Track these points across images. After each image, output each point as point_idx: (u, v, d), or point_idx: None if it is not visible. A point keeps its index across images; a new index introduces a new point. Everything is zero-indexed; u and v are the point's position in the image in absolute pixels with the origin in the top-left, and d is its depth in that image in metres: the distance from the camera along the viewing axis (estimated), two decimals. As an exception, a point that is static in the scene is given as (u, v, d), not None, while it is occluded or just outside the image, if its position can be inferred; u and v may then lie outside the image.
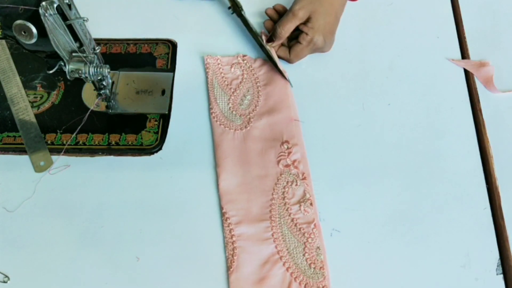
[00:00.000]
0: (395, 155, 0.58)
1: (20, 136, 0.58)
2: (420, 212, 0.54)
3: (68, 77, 0.50)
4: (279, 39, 0.61)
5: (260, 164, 0.57)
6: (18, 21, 0.45)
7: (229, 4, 0.65)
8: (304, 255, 0.51)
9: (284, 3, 0.65)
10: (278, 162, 0.57)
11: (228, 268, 0.51)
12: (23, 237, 0.52)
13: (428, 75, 0.64)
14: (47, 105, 0.60)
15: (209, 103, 0.61)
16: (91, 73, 0.50)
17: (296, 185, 0.55)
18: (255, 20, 0.67)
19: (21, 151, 0.57)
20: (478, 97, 0.62)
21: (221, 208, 0.54)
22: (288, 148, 0.57)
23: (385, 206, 0.55)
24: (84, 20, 0.48)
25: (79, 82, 0.60)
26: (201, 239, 0.52)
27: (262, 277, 0.50)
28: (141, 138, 0.58)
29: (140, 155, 0.57)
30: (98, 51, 0.51)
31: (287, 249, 0.52)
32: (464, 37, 0.67)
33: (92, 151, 0.57)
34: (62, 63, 0.49)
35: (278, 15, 0.65)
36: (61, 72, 0.50)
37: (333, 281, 0.50)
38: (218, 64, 0.64)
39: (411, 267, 0.51)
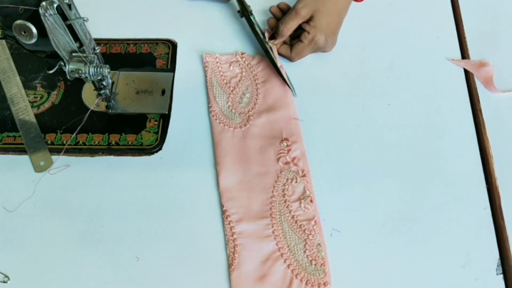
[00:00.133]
0: (395, 155, 0.58)
1: (20, 136, 0.58)
2: (420, 212, 0.54)
3: (68, 77, 0.50)
4: (282, 37, 0.62)
5: (260, 161, 0.57)
6: (18, 21, 0.45)
7: (238, 8, 0.65)
8: (305, 252, 0.51)
9: (288, 1, 0.65)
10: (278, 159, 0.57)
11: (229, 265, 0.51)
12: (23, 237, 0.52)
13: (428, 75, 0.64)
14: (47, 105, 0.60)
15: (208, 102, 0.61)
16: (91, 73, 0.50)
17: (296, 182, 0.55)
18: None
19: (21, 151, 0.57)
20: (478, 97, 0.62)
21: (221, 206, 0.54)
22: (287, 145, 0.58)
23: (385, 206, 0.55)
24: (84, 20, 0.48)
25: (79, 82, 0.60)
26: (202, 237, 0.53)
27: (263, 274, 0.50)
28: (141, 138, 0.58)
29: (140, 155, 0.57)
30: (98, 51, 0.51)
31: (288, 246, 0.52)
32: (464, 37, 0.67)
33: (92, 151, 0.57)
34: (62, 63, 0.49)
35: (282, 13, 0.65)
36: (61, 72, 0.50)
37: (334, 278, 0.50)
38: (217, 62, 0.64)
39: (411, 267, 0.51)
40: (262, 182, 0.55)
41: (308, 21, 0.60)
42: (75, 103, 0.60)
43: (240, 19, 0.68)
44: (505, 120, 0.61)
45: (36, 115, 0.59)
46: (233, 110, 0.61)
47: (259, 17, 0.67)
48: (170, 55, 0.64)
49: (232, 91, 0.62)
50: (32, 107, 0.60)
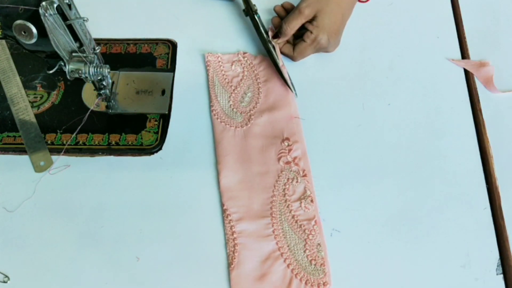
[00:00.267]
0: (395, 155, 0.58)
1: (20, 136, 0.58)
2: (420, 212, 0.54)
3: (68, 77, 0.50)
4: (285, 36, 0.62)
5: (260, 161, 0.57)
6: (18, 21, 0.45)
7: (243, 7, 0.65)
8: (305, 251, 0.51)
9: (293, 1, 0.65)
10: (279, 159, 0.57)
11: (229, 264, 0.51)
12: (23, 237, 0.52)
13: (428, 75, 0.64)
14: (47, 105, 0.60)
15: (210, 101, 0.61)
16: (91, 73, 0.50)
17: (297, 182, 0.55)
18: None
19: (21, 151, 0.57)
20: (478, 97, 0.62)
21: (222, 205, 0.54)
22: (288, 145, 0.58)
23: (385, 206, 0.55)
24: (84, 20, 0.48)
25: (79, 82, 0.60)
26: (202, 237, 0.53)
27: (263, 273, 0.50)
28: (141, 138, 0.58)
29: (140, 155, 0.57)
30: (98, 51, 0.51)
31: (288, 246, 0.52)
32: (464, 37, 0.67)
33: (92, 151, 0.57)
34: (62, 63, 0.49)
35: (286, 12, 0.65)
36: (61, 72, 0.50)
37: (333, 278, 0.50)
38: (219, 61, 0.64)
39: (411, 267, 0.51)
40: (263, 182, 0.56)
41: (311, 21, 0.60)
42: (75, 103, 0.60)
43: (243, 18, 0.68)
44: (505, 120, 0.61)
45: (36, 115, 0.59)
46: (234, 109, 0.61)
47: (264, 16, 0.67)
48: (170, 55, 0.64)
49: (233, 90, 0.62)
50: (32, 107, 0.60)
